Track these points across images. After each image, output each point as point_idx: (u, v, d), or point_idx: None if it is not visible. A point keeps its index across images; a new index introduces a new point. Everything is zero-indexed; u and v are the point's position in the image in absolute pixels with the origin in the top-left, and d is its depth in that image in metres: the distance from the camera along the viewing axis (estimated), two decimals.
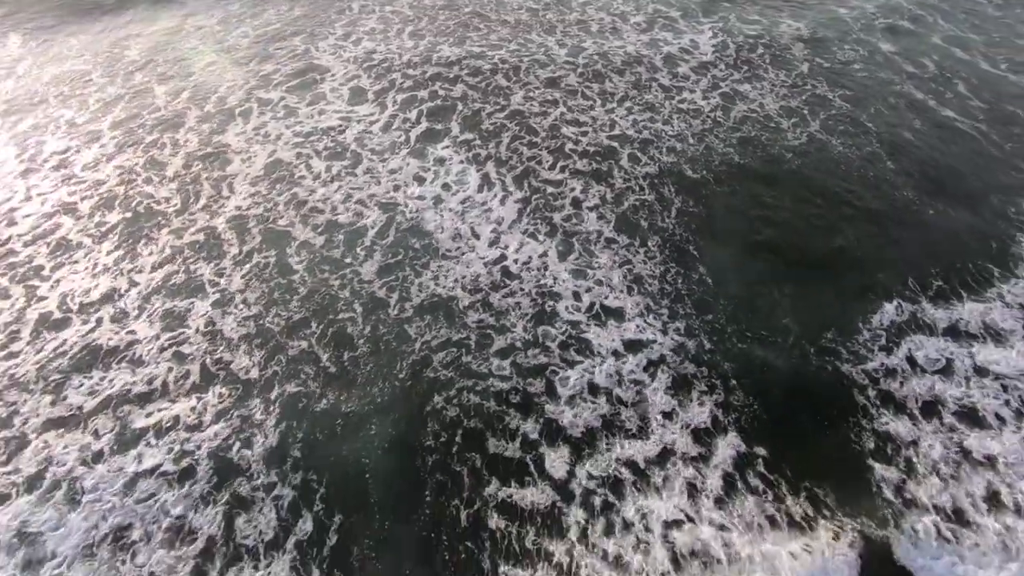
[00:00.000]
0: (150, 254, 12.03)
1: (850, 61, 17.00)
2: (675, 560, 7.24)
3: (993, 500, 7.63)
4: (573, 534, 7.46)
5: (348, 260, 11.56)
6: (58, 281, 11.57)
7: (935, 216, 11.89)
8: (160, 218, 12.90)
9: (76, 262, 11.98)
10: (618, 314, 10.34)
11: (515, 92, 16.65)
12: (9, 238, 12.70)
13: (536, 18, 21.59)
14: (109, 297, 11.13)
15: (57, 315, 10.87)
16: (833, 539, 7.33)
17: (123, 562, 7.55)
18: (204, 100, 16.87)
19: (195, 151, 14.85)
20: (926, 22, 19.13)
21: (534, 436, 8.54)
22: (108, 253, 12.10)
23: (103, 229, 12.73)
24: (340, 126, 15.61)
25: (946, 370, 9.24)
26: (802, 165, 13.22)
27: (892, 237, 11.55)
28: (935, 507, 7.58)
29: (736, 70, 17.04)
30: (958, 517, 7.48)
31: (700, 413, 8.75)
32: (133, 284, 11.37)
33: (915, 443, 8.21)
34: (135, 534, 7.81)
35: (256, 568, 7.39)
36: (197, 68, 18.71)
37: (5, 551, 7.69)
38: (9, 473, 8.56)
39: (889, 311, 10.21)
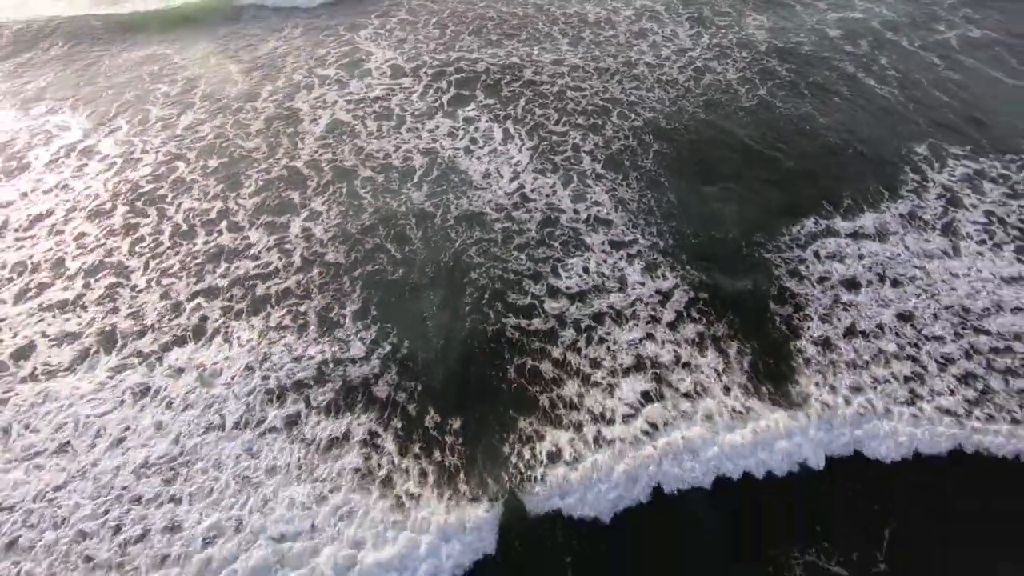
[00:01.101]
0: (249, 186, 15.76)
1: (801, 43, 20.63)
2: (636, 362, 10.90)
3: (850, 329, 11.27)
4: (565, 342, 11.16)
5: (402, 189, 15.27)
6: (181, 204, 15.32)
7: (851, 155, 15.52)
8: (252, 162, 16.64)
9: (192, 192, 15.72)
10: (607, 223, 14.00)
11: (527, 68, 20.36)
12: (135, 178, 16.45)
13: (541, 12, 25.31)
14: (224, 215, 14.86)
15: (185, 228, 14.61)
16: (738, 353, 10.98)
17: (269, 368, 11.26)
18: (274, 77, 20.64)
19: (272, 114, 18.61)
20: (872, 12, 22.74)
21: (540, 294, 12.23)
22: (216, 185, 15.85)
23: (208, 170, 16.47)
24: (385, 95, 19.35)
25: (841, 258, 12.88)
26: (751, 120, 16.89)
27: (817, 171, 15.18)
28: (811, 337, 11.22)
29: (708, 51, 20.68)
30: (825, 341, 11.11)
31: (664, 281, 12.42)
32: (240, 206, 15.11)
33: (805, 296, 11.88)
34: (274, 358, 11.51)
35: (355, 367, 11.10)
36: (262, 52, 22.51)
37: (187, 375, 11.35)
38: (176, 327, 12.26)
39: (808, 224, 13.84)
